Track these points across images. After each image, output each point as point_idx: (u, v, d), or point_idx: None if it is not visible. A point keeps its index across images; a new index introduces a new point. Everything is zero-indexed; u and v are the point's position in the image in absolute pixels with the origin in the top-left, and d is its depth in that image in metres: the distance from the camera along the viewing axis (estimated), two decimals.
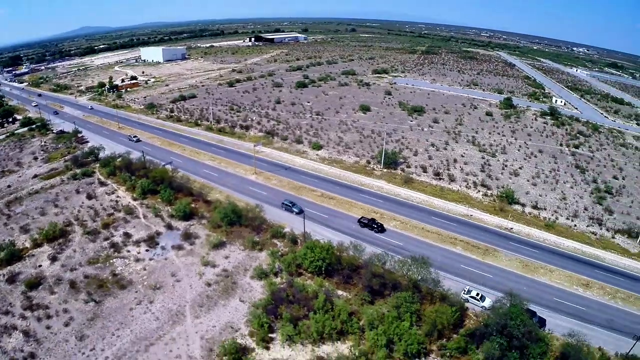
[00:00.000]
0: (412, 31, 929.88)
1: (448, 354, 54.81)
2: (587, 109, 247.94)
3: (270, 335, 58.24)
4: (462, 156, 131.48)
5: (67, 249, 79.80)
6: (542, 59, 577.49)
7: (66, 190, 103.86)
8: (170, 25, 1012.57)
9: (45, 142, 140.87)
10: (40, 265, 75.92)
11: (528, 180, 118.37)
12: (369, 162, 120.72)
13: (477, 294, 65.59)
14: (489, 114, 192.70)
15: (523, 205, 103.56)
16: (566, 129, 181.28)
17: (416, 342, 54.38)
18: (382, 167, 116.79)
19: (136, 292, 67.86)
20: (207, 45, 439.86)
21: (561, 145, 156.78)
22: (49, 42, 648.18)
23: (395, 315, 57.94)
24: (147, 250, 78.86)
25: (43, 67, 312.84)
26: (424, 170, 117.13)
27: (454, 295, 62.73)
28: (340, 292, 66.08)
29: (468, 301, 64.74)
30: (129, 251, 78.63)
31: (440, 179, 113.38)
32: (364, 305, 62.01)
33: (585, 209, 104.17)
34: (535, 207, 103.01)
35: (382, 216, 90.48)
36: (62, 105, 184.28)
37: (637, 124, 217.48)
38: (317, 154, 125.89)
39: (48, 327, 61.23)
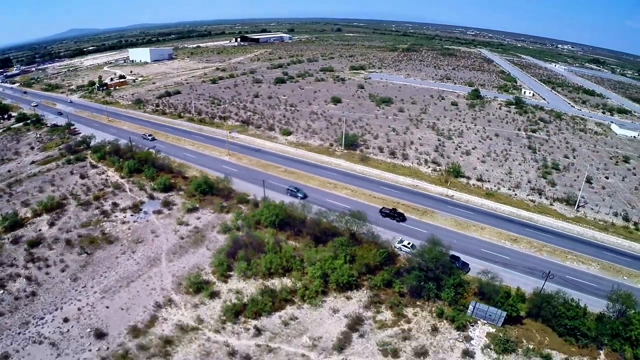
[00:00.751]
0: (397, 30, 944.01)
1: (375, 285, 69.40)
2: (555, 100, 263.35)
3: (229, 272, 72.92)
4: (420, 139, 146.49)
5: (63, 217, 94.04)
6: (523, 56, 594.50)
7: (61, 173, 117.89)
8: (158, 27, 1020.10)
9: (40, 134, 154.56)
10: (40, 230, 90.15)
11: (478, 159, 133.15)
12: (331, 145, 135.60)
13: (408, 243, 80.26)
14: (454, 104, 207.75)
15: (468, 178, 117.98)
16: (528, 117, 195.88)
17: (347, 275, 68.75)
18: (342, 148, 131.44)
19: (121, 245, 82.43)
20: (194, 45, 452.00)
21: (519, 130, 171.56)
22: (38, 44, 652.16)
23: (331, 255, 72.78)
24: (132, 215, 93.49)
25: (34, 69, 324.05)
26: (381, 150, 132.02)
27: (385, 242, 77.47)
28: (290, 242, 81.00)
29: (401, 249, 79.38)
30: (116, 216, 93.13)
31: (394, 157, 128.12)
32: (308, 249, 76.70)
33: (529, 181, 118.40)
34: (479, 179, 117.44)
35: (335, 186, 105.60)
36: (54, 103, 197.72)
37: (603, 113, 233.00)
38: (286, 139, 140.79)
39: (47, 273, 75.43)
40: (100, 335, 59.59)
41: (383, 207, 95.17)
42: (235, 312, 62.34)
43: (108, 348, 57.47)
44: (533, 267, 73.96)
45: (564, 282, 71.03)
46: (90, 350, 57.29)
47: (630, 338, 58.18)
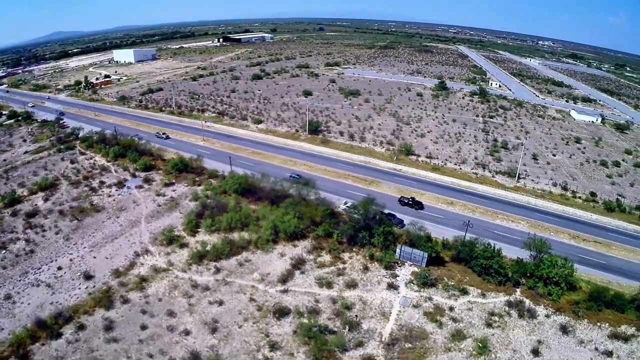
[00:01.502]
0: (379, 29, 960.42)
1: (318, 235, 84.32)
2: (521, 90, 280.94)
3: (196, 229, 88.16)
4: (379, 125, 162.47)
5: (56, 193, 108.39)
6: (500, 52, 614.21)
7: (53, 159, 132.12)
8: (143, 29, 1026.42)
9: (31, 129, 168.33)
10: (36, 204, 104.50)
11: (431, 140, 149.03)
12: (297, 131, 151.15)
13: (351, 204, 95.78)
14: (419, 94, 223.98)
15: (418, 155, 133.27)
16: (489, 105, 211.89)
17: (294, 226, 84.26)
18: (307, 133, 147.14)
19: (107, 213, 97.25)
20: (177, 46, 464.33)
21: (477, 116, 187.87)
22: (22, 47, 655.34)
23: (283, 212, 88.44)
24: (116, 190, 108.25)
25: (20, 71, 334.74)
26: (341, 134, 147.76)
27: (331, 203, 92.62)
28: (251, 206, 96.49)
29: (347, 210, 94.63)
30: (103, 191, 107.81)
31: (353, 140, 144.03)
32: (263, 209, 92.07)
33: (476, 158, 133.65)
34: (429, 157, 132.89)
35: (295, 163, 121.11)
36: (43, 101, 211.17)
37: (567, 101, 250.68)
38: (257, 127, 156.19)
39: (43, 236, 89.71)
40: (88, 277, 74.15)
41: (402, 197, 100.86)
42: (199, 257, 77.38)
43: (94, 286, 72.06)
44: (464, 223, 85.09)
45: (493, 235, 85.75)
46: (79, 289, 71.85)
47: (542, 276, 71.58)
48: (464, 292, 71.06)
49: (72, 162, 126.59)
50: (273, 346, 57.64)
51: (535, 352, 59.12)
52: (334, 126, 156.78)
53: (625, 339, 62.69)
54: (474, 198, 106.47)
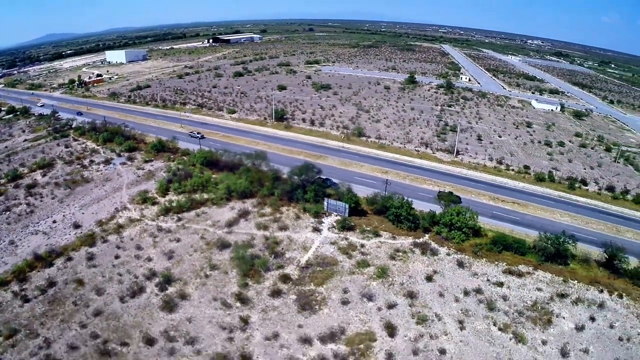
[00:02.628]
0: (368, 29, 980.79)
1: (263, 194, 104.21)
2: (490, 84, 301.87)
3: (166, 192, 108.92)
4: (341, 113, 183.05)
5: (53, 170, 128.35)
6: (484, 50, 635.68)
7: (50, 145, 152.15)
8: (136, 30, 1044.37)
9: (29, 122, 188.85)
10: (35, 179, 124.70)
11: (385, 125, 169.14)
12: (265, 119, 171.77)
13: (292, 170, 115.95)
14: (387, 87, 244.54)
15: (369, 137, 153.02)
16: (452, 96, 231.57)
17: (244, 187, 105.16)
18: (273, 120, 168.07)
19: (95, 183, 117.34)
20: (168, 47, 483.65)
21: (436, 105, 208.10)
22: (16, 49, 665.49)
23: (237, 177, 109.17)
24: (104, 166, 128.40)
25: (15, 72, 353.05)
26: (304, 121, 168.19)
27: (279, 171, 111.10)
28: (214, 176, 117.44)
29: (289, 175, 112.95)
30: (92, 168, 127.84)
31: (313, 125, 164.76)
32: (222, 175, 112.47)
33: (422, 138, 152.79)
34: (378, 138, 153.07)
35: (257, 144, 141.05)
36: (39, 98, 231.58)
37: (532, 93, 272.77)
38: (230, 116, 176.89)
39: (41, 201, 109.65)
40: (77, 226, 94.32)
41: (440, 191, 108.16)
42: (166, 210, 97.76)
43: (81, 232, 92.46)
44: (395, 188, 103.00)
45: (418, 196, 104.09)
46: (69, 235, 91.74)
47: (447, 223, 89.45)
48: (377, 234, 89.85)
49: (66, 146, 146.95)
50: (213, 267, 78.00)
51: (429, 278, 76.57)
52: (299, 114, 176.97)
53: (520, 274, 79.17)
54: (409, 169, 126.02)
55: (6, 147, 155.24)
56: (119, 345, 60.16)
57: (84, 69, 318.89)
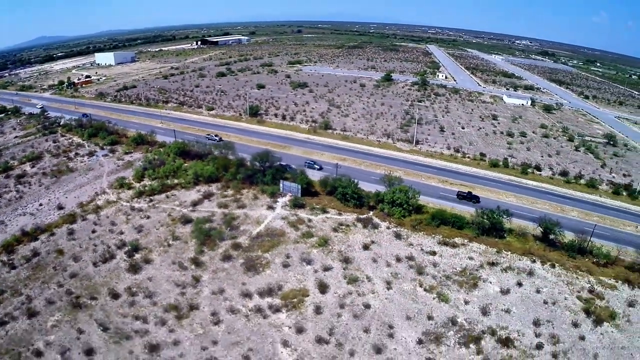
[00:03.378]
0: (357, 30, 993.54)
1: (227, 178, 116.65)
2: (466, 81, 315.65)
3: (142, 178, 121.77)
4: (313, 108, 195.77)
5: (41, 162, 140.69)
6: (469, 49, 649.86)
7: (39, 141, 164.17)
8: (127, 33, 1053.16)
9: (20, 120, 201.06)
10: (25, 170, 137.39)
11: (353, 119, 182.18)
12: (240, 115, 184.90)
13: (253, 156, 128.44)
14: (362, 85, 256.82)
15: (334, 129, 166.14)
16: (424, 92, 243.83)
17: (210, 172, 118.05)
18: (247, 116, 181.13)
19: (79, 172, 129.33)
20: (157, 49, 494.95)
21: (406, 100, 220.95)
22: (7, 52, 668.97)
23: (205, 164, 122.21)
24: (87, 158, 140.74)
25: (7, 74, 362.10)
26: (276, 116, 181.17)
27: (244, 158, 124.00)
28: (185, 164, 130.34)
29: (251, 161, 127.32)
30: (77, 159, 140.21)
31: (284, 120, 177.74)
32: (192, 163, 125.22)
33: (385, 130, 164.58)
34: (343, 130, 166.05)
35: (229, 136, 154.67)
36: (29, 99, 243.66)
37: (507, 89, 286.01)
38: (209, 113, 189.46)
39: (29, 188, 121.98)
40: (60, 208, 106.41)
41: (459, 191, 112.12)
42: (140, 193, 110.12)
43: (64, 213, 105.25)
44: (350, 174, 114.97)
45: (370, 179, 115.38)
46: (53, 215, 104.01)
47: (389, 200, 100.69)
48: (325, 211, 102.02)
49: (54, 141, 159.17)
50: (175, 238, 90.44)
51: (366, 247, 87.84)
52: (273, 110, 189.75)
53: (454, 245, 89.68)
54: (367, 156, 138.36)
55: None
56: (89, 300, 72.48)
57: (73, 71, 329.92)
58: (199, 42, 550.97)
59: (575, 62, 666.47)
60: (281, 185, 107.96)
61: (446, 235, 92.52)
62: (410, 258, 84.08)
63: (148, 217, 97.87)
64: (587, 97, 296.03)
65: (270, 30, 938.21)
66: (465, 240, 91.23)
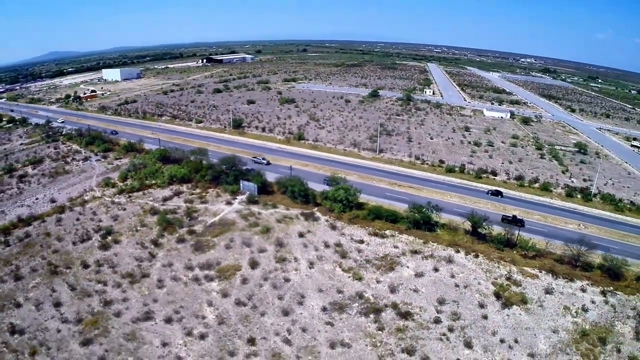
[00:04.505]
0: (362, 49, 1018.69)
1: (197, 180, 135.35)
2: (454, 96, 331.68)
3: (126, 179, 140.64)
4: (293, 122, 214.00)
5: (41, 165, 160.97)
6: (469, 67, 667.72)
7: (41, 148, 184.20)
8: (138, 50, 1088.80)
9: (27, 130, 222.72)
10: (27, 171, 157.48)
11: (328, 131, 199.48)
12: (225, 127, 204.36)
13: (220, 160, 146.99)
14: (347, 101, 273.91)
15: (307, 140, 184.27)
16: (406, 107, 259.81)
17: (182, 174, 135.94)
18: (231, 128, 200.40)
19: (73, 173, 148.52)
20: (163, 66, 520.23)
21: (385, 114, 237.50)
22: (19, 66, 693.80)
23: (180, 167, 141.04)
24: (82, 162, 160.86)
25: (18, 87, 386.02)
26: (257, 128, 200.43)
27: (216, 163, 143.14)
28: (164, 167, 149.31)
29: (217, 164, 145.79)
30: (73, 163, 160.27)
31: (264, 131, 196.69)
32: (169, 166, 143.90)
33: (354, 140, 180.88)
34: (315, 140, 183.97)
35: (209, 145, 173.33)
36: (37, 110, 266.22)
37: (491, 104, 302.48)
38: (197, 125, 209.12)
39: (29, 185, 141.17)
40: (53, 201, 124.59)
41: (504, 215, 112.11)
42: (121, 191, 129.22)
43: (56, 205, 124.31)
44: (309, 177, 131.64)
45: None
46: (46, 207, 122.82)
47: (330, 197, 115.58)
48: (275, 206, 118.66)
49: (55, 148, 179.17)
50: (143, 225, 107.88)
51: (301, 235, 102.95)
52: (256, 123, 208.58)
53: (383, 236, 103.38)
54: (329, 162, 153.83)
55: (5, 149, 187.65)
56: (65, 269, 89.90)
57: (81, 86, 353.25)
58: (204, 60, 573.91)
59: (576, 78, 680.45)
60: (241, 184, 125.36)
61: (379, 227, 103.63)
62: (338, 245, 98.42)
63: (124, 209, 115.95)
64: (573, 111, 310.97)
65: (277, 49, 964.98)
66: (396, 233, 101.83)
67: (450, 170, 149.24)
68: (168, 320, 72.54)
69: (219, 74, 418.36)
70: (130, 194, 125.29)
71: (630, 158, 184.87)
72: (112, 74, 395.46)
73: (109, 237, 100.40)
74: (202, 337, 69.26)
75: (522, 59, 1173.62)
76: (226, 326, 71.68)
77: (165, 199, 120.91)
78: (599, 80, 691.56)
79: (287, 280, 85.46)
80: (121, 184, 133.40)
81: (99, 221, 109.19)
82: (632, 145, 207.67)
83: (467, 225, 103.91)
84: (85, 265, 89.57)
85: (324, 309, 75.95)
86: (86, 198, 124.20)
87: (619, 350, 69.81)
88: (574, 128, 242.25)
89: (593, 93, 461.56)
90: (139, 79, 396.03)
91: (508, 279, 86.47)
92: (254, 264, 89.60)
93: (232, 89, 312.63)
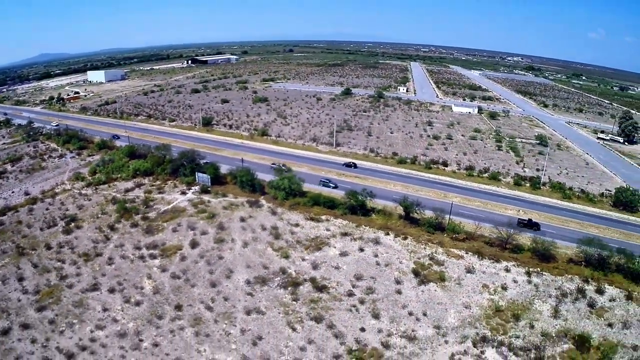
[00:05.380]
0: (349, 49, 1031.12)
1: (158, 172, 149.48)
2: (427, 93, 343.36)
3: (95, 173, 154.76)
4: (261, 119, 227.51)
5: (20, 162, 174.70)
6: (452, 66, 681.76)
7: (22, 147, 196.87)
8: (128, 51, 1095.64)
9: (9, 130, 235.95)
10: (6, 168, 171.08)
11: (292, 127, 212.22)
12: (195, 125, 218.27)
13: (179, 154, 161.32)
14: (319, 99, 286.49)
15: (270, 136, 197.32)
16: (375, 104, 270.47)
17: (145, 167, 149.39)
18: (200, 126, 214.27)
19: (48, 169, 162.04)
20: (148, 67, 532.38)
21: (352, 111, 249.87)
22: (8, 68, 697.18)
23: (144, 161, 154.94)
24: (58, 159, 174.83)
25: (5, 90, 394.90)
26: (225, 126, 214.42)
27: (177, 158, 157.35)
28: (130, 161, 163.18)
29: (176, 158, 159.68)
30: (49, 160, 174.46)
31: (231, 129, 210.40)
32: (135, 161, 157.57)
33: (314, 135, 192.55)
34: (278, 136, 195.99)
35: (177, 142, 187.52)
36: (21, 112, 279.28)
37: (463, 100, 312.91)
38: (169, 124, 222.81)
39: (7, 180, 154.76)
40: (27, 194, 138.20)
41: (519, 219, 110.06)
42: (89, 184, 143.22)
43: (29, 197, 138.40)
44: (258, 168, 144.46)
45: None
46: (21, 199, 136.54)
47: (275, 186, 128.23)
48: (224, 195, 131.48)
49: (34, 147, 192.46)
50: (104, 213, 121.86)
51: (242, 219, 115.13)
52: (225, 121, 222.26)
53: (318, 220, 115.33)
54: (284, 156, 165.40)
55: None
56: (30, 250, 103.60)
57: (66, 88, 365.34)
58: (189, 61, 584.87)
59: (559, 75, 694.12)
60: (197, 176, 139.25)
61: (316, 213, 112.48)
62: (275, 228, 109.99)
63: (90, 200, 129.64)
64: (546, 106, 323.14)
65: (263, 49, 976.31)
66: (332, 218, 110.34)
67: (401, 162, 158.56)
68: (111, 291, 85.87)
69: (202, 74, 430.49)
70: (97, 187, 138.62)
71: (593, 150, 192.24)
72: (96, 75, 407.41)
73: (73, 224, 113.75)
74: (138, 304, 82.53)
75: (509, 58, 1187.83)
76: (160, 295, 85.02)
77: (127, 190, 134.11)
78: (583, 78, 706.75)
79: (220, 257, 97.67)
80: (90, 177, 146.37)
81: (65, 210, 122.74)
82: (598, 138, 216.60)
83: (401, 210, 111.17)
84: (49, 247, 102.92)
85: (248, 282, 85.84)
86: (57, 191, 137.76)
87: (532, 327, 74.28)
88: (541, 122, 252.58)
89: (573, 89, 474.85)
90: (123, 80, 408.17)
91: (431, 259, 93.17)
92: (194, 244, 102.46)
93: (211, 89, 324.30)
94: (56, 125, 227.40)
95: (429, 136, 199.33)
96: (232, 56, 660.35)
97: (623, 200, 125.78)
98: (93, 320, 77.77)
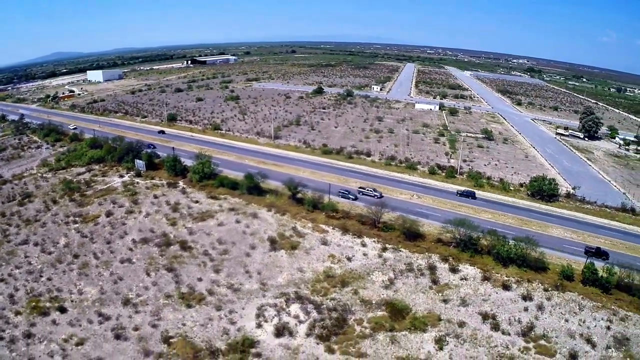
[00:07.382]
0: (351, 51, 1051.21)
1: (108, 159, 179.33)
2: (402, 92, 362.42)
3: (59, 161, 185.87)
4: (222, 115, 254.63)
5: (3, 153, 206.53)
6: (447, 67, 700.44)
7: (9, 139, 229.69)
8: (138, 51, 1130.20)
9: (3, 126, 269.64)
10: None
11: (245, 122, 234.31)
12: (162, 121, 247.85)
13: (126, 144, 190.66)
14: (288, 97, 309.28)
15: (221, 130, 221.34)
16: (340, 102, 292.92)
17: (99, 156, 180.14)
18: (165, 121, 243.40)
19: (25, 158, 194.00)
20: (148, 67, 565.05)
21: (313, 108, 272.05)
22: (19, 67, 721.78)
23: (99, 150, 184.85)
24: (35, 150, 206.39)
25: (10, 88, 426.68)
26: (187, 121, 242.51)
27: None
28: (90, 150, 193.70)
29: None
30: (27, 150, 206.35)
31: (191, 124, 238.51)
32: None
33: (261, 129, 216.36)
34: (227, 130, 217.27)
35: (144, 137, 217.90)
36: (18, 109, 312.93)
37: (433, 98, 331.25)
38: (140, 120, 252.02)
39: None
40: (0, 177, 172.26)
41: (587, 247, 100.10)
42: (51, 169, 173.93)
43: (2, 179, 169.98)
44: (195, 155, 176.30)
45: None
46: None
47: (194, 171, 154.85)
48: (152, 179, 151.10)
49: (19, 140, 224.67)
50: (53, 191, 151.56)
51: (156, 196, 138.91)
52: (190, 117, 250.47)
53: (217, 198, 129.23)
54: (223, 147, 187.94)
55: None
56: None
57: (66, 87, 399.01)
58: (189, 62, 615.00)
59: (558, 77, 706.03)
60: (136, 162, 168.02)
61: (221, 193, 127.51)
62: (177, 203, 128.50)
63: (47, 181, 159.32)
64: (519, 104, 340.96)
65: (266, 50, 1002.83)
66: (229, 197, 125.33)
67: (326, 152, 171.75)
68: (36, 244, 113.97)
69: (195, 75, 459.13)
70: (57, 171, 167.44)
71: (542, 144, 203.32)
72: (95, 75, 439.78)
73: (27, 199, 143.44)
74: (50, 253, 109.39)
75: (514, 60, 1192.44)
76: (68, 248, 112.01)
77: (79, 174, 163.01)
78: (584, 79, 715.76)
79: (124, 224, 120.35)
80: (54, 164, 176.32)
81: (26, 189, 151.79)
82: (556, 134, 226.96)
83: (282, 188, 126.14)
84: (3, 215, 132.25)
85: (134, 241, 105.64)
86: (25, 175, 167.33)
87: (356, 293, 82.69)
88: (503, 118, 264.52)
89: (563, 90, 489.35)
90: (120, 80, 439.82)
91: (294, 230, 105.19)
92: (109, 214, 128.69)
93: (194, 88, 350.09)
94: (74, 128, 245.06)
95: (370, 130, 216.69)
96: (231, 57, 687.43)
97: (538, 190, 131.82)
98: (15, 262, 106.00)
